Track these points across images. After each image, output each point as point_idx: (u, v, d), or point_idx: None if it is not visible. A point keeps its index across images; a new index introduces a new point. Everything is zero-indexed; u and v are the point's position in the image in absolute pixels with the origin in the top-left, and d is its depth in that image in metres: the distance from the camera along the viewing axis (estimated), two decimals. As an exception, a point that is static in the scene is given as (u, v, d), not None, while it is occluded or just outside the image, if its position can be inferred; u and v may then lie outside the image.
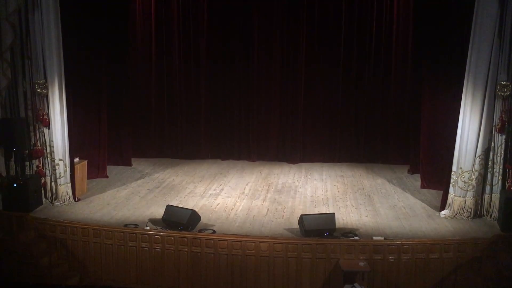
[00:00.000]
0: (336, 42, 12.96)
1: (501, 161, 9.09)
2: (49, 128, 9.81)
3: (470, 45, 8.98)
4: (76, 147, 10.52)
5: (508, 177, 9.07)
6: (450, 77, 9.95)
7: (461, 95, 9.21)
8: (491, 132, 9.14)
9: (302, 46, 13.01)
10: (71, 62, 10.04)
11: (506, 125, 9.00)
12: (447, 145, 9.72)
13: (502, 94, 8.91)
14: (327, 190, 11.17)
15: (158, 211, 9.46)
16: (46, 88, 9.66)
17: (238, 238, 8.27)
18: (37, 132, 9.83)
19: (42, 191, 9.93)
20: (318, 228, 8.46)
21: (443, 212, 9.53)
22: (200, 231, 8.66)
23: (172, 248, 8.35)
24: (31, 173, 9.85)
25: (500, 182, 9.15)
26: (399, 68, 12.90)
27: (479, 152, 9.16)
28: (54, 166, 9.88)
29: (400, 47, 12.81)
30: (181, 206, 9.50)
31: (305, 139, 13.52)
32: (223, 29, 13.12)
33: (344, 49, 12.97)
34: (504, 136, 9.05)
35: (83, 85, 11.17)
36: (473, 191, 9.26)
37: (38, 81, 9.63)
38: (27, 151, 9.78)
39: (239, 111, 13.53)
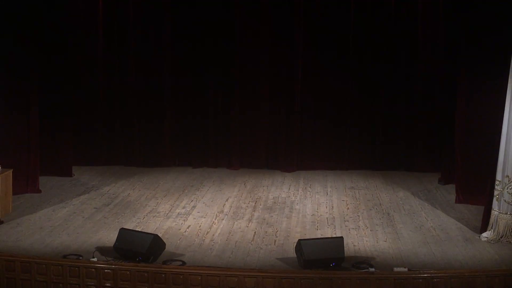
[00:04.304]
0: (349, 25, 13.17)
1: (559, 168, 9.24)
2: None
3: None
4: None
5: None
6: (492, 65, 10.07)
7: (505, 85, 9.30)
8: (545, 130, 9.28)
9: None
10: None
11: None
12: (490, 148, 9.82)
13: None
14: (332, 206, 11.25)
15: (109, 237, 9.45)
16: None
17: (216, 272, 8.27)
18: None
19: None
20: (322, 257, 8.50)
21: (484, 234, 9.63)
22: (165, 262, 8.66)
23: (127, 286, 8.33)
24: None
25: (558, 194, 9.30)
26: (427, 54, 13.06)
27: (531, 156, 9.31)
28: (-33, 178, 9.83)
29: (429, 30, 12.95)
30: (139, 229, 9.51)
31: (303, 140, 13.62)
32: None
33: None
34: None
35: (7, 76, 11.14)
36: (524, 207, 9.41)
37: None
38: None
39: (216, 103, 13.59)
